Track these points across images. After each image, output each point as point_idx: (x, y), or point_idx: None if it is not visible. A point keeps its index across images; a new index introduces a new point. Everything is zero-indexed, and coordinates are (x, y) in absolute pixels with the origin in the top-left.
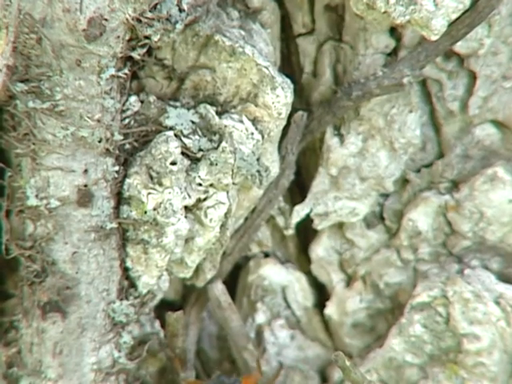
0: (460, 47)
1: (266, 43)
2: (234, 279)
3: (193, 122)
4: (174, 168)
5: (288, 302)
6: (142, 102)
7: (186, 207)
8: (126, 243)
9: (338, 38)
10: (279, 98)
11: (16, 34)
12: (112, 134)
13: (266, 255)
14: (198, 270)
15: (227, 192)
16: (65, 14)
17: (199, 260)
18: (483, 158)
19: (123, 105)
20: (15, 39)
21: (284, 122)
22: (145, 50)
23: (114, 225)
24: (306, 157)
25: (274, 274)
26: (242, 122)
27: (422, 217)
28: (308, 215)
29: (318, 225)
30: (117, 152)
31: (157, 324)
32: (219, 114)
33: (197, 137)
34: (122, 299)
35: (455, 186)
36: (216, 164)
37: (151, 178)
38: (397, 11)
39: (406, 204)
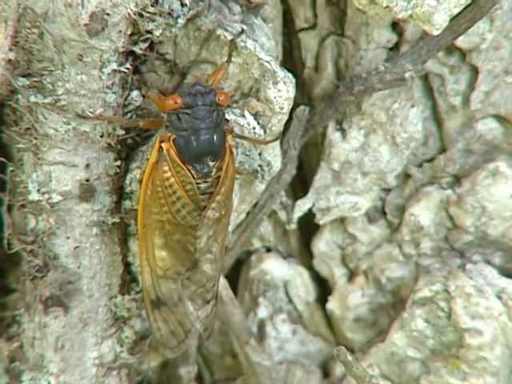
0: (462, 42)
1: (268, 38)
2: (235, 274)
3: None
4: None
5: (290, 296)
6: (143, 96)
7: None
8: (128, 238)
9: (339, 32)
10: (281, 92)
11: (15, 28)
12: (114, 129)
13: (268, 250)
14: None
15: None
16: (67, 9)
17: None
18: (485, 152)
19: (125, 99)
20: (14, 33)
21: (286, 117)
22: (147, 44)
23: (116, 219)
24: (307, 151)
25: (275, 268)
26: (243, 116)
27: (423, 211)
28: (310, 210)
29: (320, 219)
30: (118, 147)
31: None
32: None
33: None
34: (123, 294)
35: (457, 180)
36: None
37: None
38: (399, 6)
39: (407, 199)
